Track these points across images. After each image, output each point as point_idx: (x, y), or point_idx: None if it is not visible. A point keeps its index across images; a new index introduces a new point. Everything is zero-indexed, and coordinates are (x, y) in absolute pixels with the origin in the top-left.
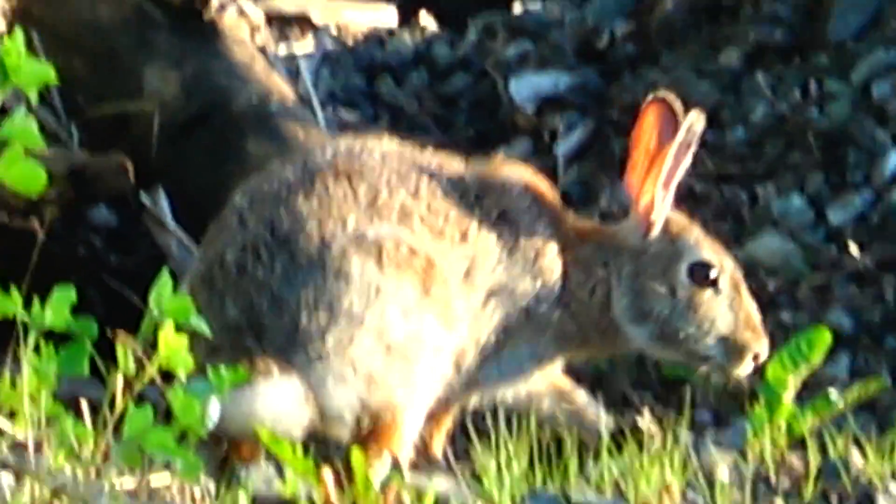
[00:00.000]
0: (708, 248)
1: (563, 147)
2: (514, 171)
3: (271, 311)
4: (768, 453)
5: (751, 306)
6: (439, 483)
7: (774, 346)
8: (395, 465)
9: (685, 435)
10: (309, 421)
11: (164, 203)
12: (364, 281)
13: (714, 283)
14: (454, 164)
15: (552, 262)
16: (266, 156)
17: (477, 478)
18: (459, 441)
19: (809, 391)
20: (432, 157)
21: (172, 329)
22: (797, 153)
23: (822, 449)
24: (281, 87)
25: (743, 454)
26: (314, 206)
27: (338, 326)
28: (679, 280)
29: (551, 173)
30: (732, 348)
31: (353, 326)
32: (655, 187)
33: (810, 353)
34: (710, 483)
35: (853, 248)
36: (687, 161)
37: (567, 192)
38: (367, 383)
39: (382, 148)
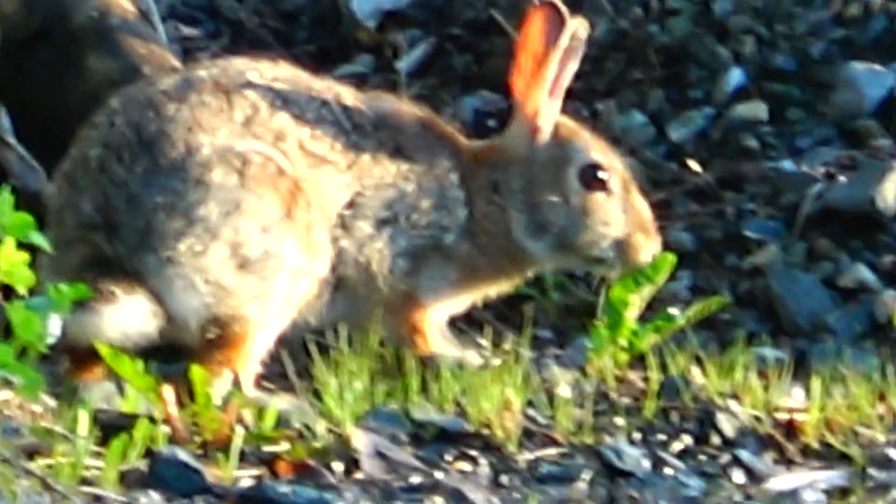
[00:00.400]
0: (596, 150)
1: (405, 63)
2: (410, 107)
3: (128, 210)
4: (609, 371)
5: (642, 206)
6: (280, 401)
7: None
8: (237, 383)
9: (526, 352)
10: (156, 331)
11: (4, 119)
12: (224, 192)
13: (604, 185)
14: (350, 96)
15: (455, 192)
16: (107, 71)
17: (318, 395)
18: (300, 358)
19: (651, 309)
20: (330, 87)
21: (13, 245)
22: (638, 70)
23: (663, 366)
24: (121, 1)
25: (584, 371)
26: (184, 114)
27: (193, 233)
28: (570, 186)
29: (393, 89)
30: (627, 249)
31: (208, 235)
32: (542, 93)
33: (653, 272)
34: (551, 400)
35: (694, 165)
36: (574, 67)
37: None
38: (215, 293)
39: (275, 72)
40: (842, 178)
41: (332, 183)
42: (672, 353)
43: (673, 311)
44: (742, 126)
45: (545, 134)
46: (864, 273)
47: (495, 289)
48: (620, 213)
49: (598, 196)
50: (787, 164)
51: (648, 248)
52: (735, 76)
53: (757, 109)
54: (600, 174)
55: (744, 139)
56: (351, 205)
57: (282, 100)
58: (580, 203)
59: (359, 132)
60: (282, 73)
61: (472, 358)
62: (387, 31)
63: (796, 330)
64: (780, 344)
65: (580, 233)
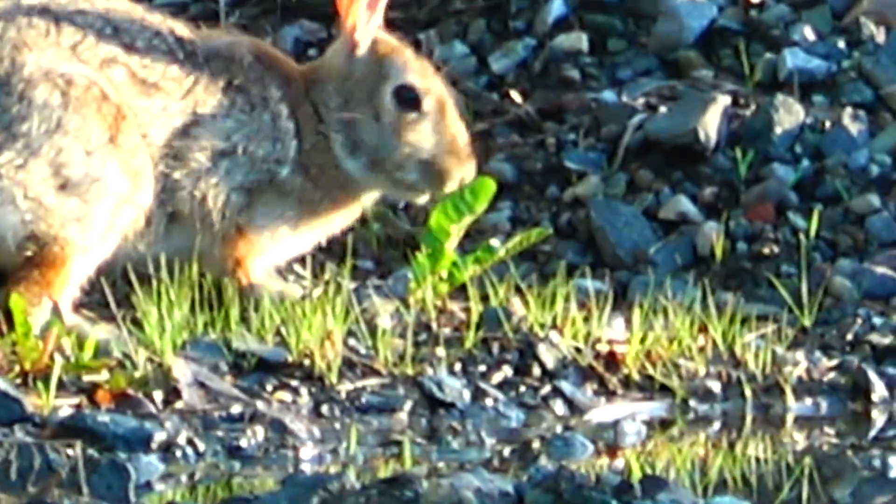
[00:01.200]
0: (414, 71)
1: None
2: (242, 40)
3: None
4: (430, 301)
5: (457, 129)
6: (100, 330)
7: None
8: (56, 310)
9: (347, 283)
10: None
11: None
12: (47, 110)
13: (418, 106)
14: (183, 29)
15: (286, 123)
16: None
17: (138, 324)
18: (120, 287)
19: (471, 240)
20: (163, 20)
21: None
22: (459, 0)
23: (484, 297)
24: None
25: (405, 302)
26: (11, 34)
27: (13, 147)
28: (384, 104)
29: (212, 19)
30: (434, 173)
31: (29, 152)
32: (359, 5)
33: (473, 201)
34: (372, 331)
35: (515, 96)
36: None
37: None
38: (35, 210)
39: (108, 2)
40: (662, 109)
41: (164, 111)
42: (493, 284)
43: (494, 242)
44: (563, 57)
45: (362, 48)
46: (685, 205)
47: (333, 224)
48: (431, 136)
49: (410, 116)
50: (608, 95)
51: (458, 172)
52: (556, 7)
53: (578, 40)
54: (415, 94)
55: (565, 70)
56: (184, 134)
57: (112, 28)
58: (391, 122)
59: (192, 63)
60: (115, 3)
61: (293, 288)
62: None
63: (617, 262)
64: (600, 276)
65: (390, 152)
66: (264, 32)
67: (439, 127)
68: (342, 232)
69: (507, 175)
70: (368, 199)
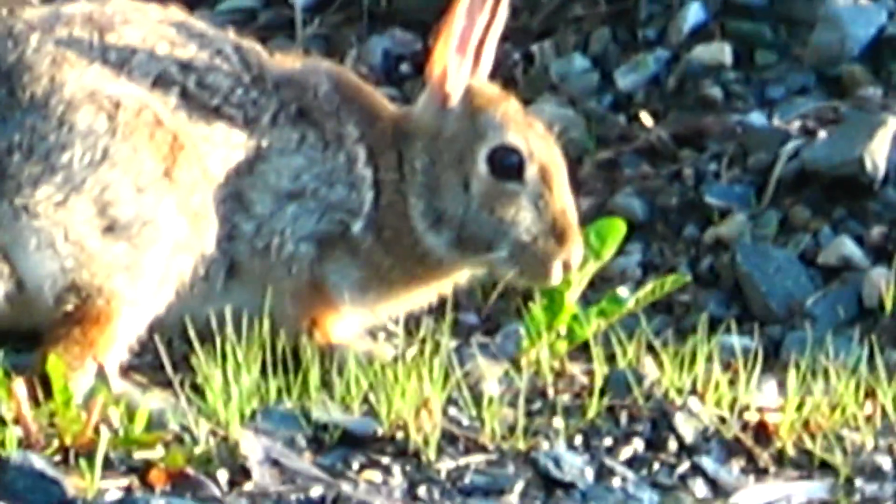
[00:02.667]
0: (517, 129)
1: None
2: (319, 65)
3: None
4: (545, 363)
5: (564, 204)
6: (154, 398)
7: None
8: (101, 374)
9: (447, 341)
10: (4, 301)
11: None
12: (91, 137)
13: (516, 174)
14: (252, 48)
15: (363, 170)
16: None
17: (199, 391)
18: (178, 347)
19: (595, 289)
20: (227, 35)
21: None
22: (579, 5)
23: (609, 357)
24: None
25: (516, 364)
26: (50, 47)
27: (52, 180)
28: (476, 169)
29: (288, 26)
30: (532, 257)
31: (71, 185)
32: (447, 50)
33: (599, 245)
34: (477, 398)
35: (645, 118)
36: (485, 19)
37: (306, 49)
38: (77, 255)
39: (162, 14)
40: (822, 135)
41: (226, 141)
42: (620, 342)
43: (621, 291)
44: (702, 72)
45: (453, 101)
46: (849, 247)
47: (411, 298)
48: (530, 211)
49: (506, 186)
50: (757, 118)
51: (560, 258)
52: (694, 13)
53: (720, 52)
54: (515, 159)
55: (704, 88)
56: (249, 171)
57: (166, 42)
58: (483, 191)
59: (259, 87)
60: (170, 15)
61: (383, 349)
62: None
63: (768, 314)
64: (748, 331)
65: (478, 228)
66: (348, 44)
67: (542, 202)
68: None
69: (637, 212)
70: (459, 278)
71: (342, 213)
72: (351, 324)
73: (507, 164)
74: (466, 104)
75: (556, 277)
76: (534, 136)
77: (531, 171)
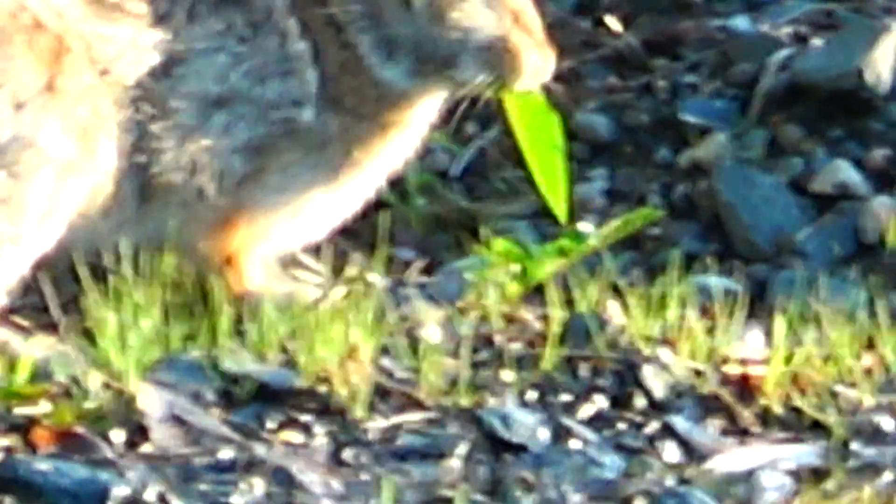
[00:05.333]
0: None
1: None
2: None
3: None
4: (494, 307)
5: (522, 2)
6: (39, 345)
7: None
8: None
9: (379, 280)
10: None
11: None
12: None
13: None
14: None
15: (298, 45)
16: None
17: (91, 337)
18: (66, 287)
19: (552, 222)
20: None
21: None
22: None
23: (568, 301)
24: None
25: (459, 307)
26: None
27: None
28: None
29: None
30: (502, 56)
31: None
32: None
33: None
34: (414, 347)
35: (612, 23)
36: None
37: None
38: None
39: None
40: (816, 42)
41: (133, 41)
42: (580, 283)
43: (583, 225)
44: None
45: None
46: (847, 173)
47: (391, 161)
48: (486, 12)
49: None
50: (741, 22)
51: (532, 56)
52: None
53: None
54: None
55: None
56: (164, 75)
57: None
58: (427, 2)
59: None
60: None
61: (304, 289)
62: None
63: (753, 251)
64: (729, 270)
65: (434, 44)
66: None
67: (494, 1)
68: (372, 208)
69: (602, 131)
70: (433, 107)
71: (285, 110)
72: (268, 263)
73: None
74: None
75: (531, 75)
76: None
77: None
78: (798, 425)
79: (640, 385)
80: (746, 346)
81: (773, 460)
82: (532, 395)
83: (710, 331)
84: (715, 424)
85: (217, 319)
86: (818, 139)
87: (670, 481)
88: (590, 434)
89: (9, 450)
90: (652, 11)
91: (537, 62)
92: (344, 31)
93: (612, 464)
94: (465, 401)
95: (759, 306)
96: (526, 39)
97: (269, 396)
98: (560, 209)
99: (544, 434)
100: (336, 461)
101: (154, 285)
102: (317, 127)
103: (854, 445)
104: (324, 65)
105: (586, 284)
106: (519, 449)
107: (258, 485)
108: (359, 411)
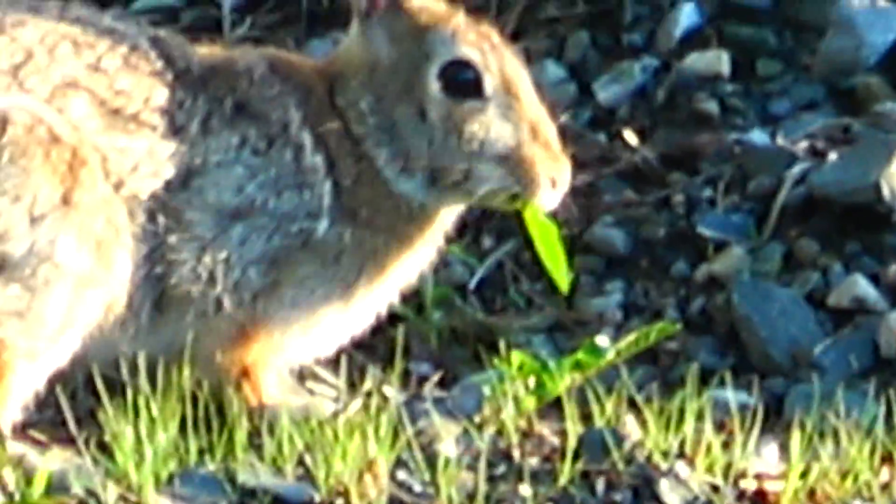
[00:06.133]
0: (468, 41)
1: None
2: (248, 52)
3: None
4: (510, 421)
5: (538, 116)
6: (55, 458)
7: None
8: None
9: (396, 394)
10: None
11: None
12: None
13: (475, 89)
14: (171, 40)
15: (312, 157)
16: None
17: (107, 450)
18: (83, 400)
19: (569, 335)
20: (142, 30)
21: None
22: (553, 4)
23: (586, 416)
24: None
25: (475, 422)
26: None
27: None
28: (428, 92)
29: (215, 28)
30: (518, 169)
31: None
32: None
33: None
34: (431, 460)
35: (630, 137)
36: None
37: None
38: None
39: (60, 10)
40: (832, 157)
41: (150, 155)
42: (597, 397)
43: (600, 339)
44: (696, 84)
45: (385, 14)
46: (863, 287)
47: (406, 274)
48: (502, 125)
49: (467, 105)
50: (758, 137)
51: (547, 167)
52: (686, 15)
53: (716, 61)
54: (471, 73)
55: (698, 102)
56: (181, 187)
57: (69, 42)
58: (443, 115)
59: (185, 84)
60: (73, 12)
61: (321, 403)
62: None
63: (769, 365)
64: (746, 385)
65: (450, 157)
66: (284, 48)
67: (513, 113)
68: (388, 322)
69: (619, 245)
70: (448, 220)
71: (300, 222)
72: (283, 376)
73: (462, 80)
74: (408, 24)
75: (546, 190)
76: (489, 47)
77: (491, 84)
78: None
79: (657, 500)
80: (763, 461)
81: None
82: None
83: (727, 445)
84: None
85: (233, 432)
86: (835, 254)
87: None
88: None
89: None
90: (669, 125)
91: (553, 174)
92: (359, 144)
93: None
94: None
95: (775, 420)
96: (542, 152)
97: None
98: (562, 280)
99: None
100: None
101: (171, 398)
102: (332, 239)
103: None
104: (338, 177)
105: (603, 399)
106: None
107: None
108: None
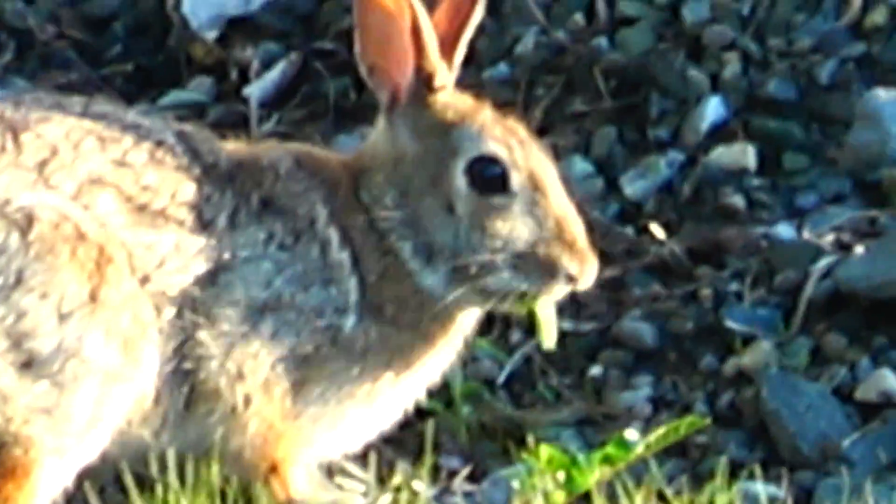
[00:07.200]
0: (495, 137)
1: (256, 88)
2: (274, 147)
3: None
4: None
5: (564, 212)
6: None
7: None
8: None
9: (426, 489)
10: None
11: None
12: (1, 257)
13: (502, 185)
14: (198, 134)
15: (338, 253)
16: None
17: None
18: (112, 496)
19: (599, 429)
20: (168, 125)
21: None
22: (580, 99)
23: None
24: None
25: None
26: None
27: None
28: (455, 187)
29: (242, 124)
30: (534, 266)
31: None
32: (398, 55)
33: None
34: None
35: (656, 231)
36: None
37: None
38: None
39: (84, 106)
40: (859, 250)
41: (178, 248)
42: (627, 491)
43: (629, 433)
44: (722, 177)
45: (410, 109)
46: (891, 381)
47: (430, 374)
48: (527, 223)
49: (493, 200)
50: (785, 231)
51: (568, 264)
52: (712, 109)
53: (742, 155)
54: (497, 169)
55: (724, 195)
56: (211, 282)
57: (94, 138)
58: (470, 211)
59: (212, 180)
60: (98, 107)
61: (350, 499)
62: (232, 45)
63: (798, 459)
64: (775, 477)
65: (473, 253)
66: (312, 143)
67: (539, 210)
68: (417, 416)
69: (647, 339)
70: (472, 318)
71: (328, 317)
72: (312, 471)
73: (489, 176)
74: (434, 119)
75: (560, 284)
76: (516, 142)
77: (517, 180)
78: None
79: None
80: None
81: None
82: None
83: None
84: None
85: None
86: (862, 348)
87: None
88: None
89: None
90: (696, 219)
91: (573, 272)
92: (385, 238)
93: None
94: None
95: None
96: (561, 252)
97: None
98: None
99: None
100: None
101: (200, 494)
102: (358, 336)
103: None
104: (364, 273)
105: (632, 492)
106: None
107: None
108: None
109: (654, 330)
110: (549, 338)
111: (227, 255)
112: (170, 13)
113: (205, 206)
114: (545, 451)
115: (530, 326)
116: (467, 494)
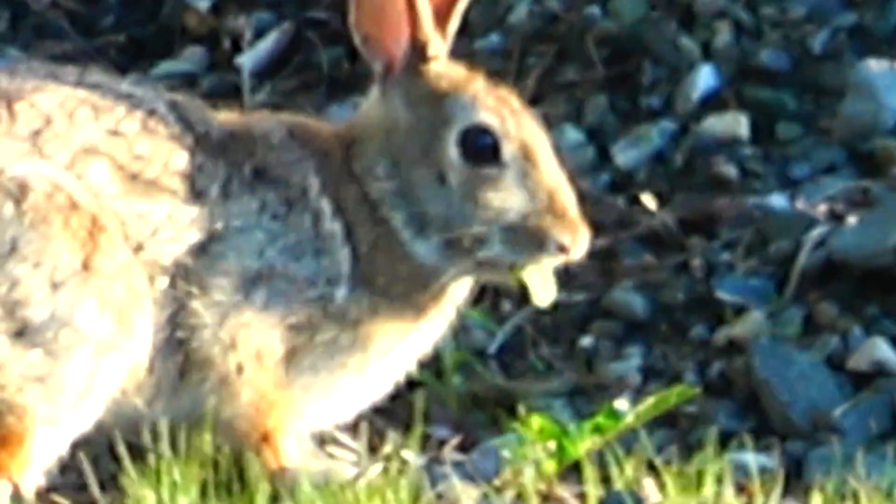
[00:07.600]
0: (487, 107)
1: (248, 58)
2: (266, 117)
3: None
4: (530, 484)
5: (556, 182)
6: None
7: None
8: (17, 496)
9: (415, 458)
10: None
11: None
12: None
13: (493, 155)
14: (191, 104)
15: (330, 224)
16: None
17: None
18: (105, 464)
19: (589, 399)
20: (160, 95)
21: None
22: (572, 68)
23: (605, 479)
24: None
25: (495, 485)
26: None
27: None
28: (447, 156)
29: (234, 93)
30: (524, 238)
31: None
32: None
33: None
34: None
35: (648, 201)
36: None
37: None
38: None
39: (78, 76)
40: (852, 220)
41: (170, 219)
42: (617, 460)
43: (619, 403)
44: (714, 147)
45: (403, 79)
46: (883, 350)
47: (424, 344)
48: (518, 194)
49: (484, 171)
50: (777, 201)
51: (559, 236)
52: (705, 77)
53: (735, 124)
54: (489, 139)
55: (717, 165)
56: (201, 251)
57: (88, 108)
58: (462, 180)
59: (204, 149)
60: (91, 77)
61: (341, 467)
62: (225, 15)
63: (789, 428)
64: (766, 447)
65: (465, 223)
66: (304, 113)
67: (530, 181)
68: (408, 387)
69: (638, 310)
70: (463, 289)
71: (320, 288)
72: (303, 440)
73: (481, 146)
74: (427, 89)
75: (550, 254)
76: (509, 112)
77: (509, 151)
78: None
79: None
80: None
81: None
82: None
83: None
84: None
85: (254, 497)
86: (854, 317)
87: None
88: None
89: None
90: (687, 189)
91: (565, 241)
92: (377, 209)
93: None
94: None
95: (795, 483)
96: (552, 222)
97: None
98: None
99: None
100: None
101: (192, 463)
102: (350, 306)
103: None
104: (356, 243)
105: (623, 462)
106: None
107: None
108: None
109: (646, 300)
110: (543, 297)
111: (219, 225)
112: None
113: (197, 175)
114: (536, 420)
115: (522, 297)
116: (457, 464)
